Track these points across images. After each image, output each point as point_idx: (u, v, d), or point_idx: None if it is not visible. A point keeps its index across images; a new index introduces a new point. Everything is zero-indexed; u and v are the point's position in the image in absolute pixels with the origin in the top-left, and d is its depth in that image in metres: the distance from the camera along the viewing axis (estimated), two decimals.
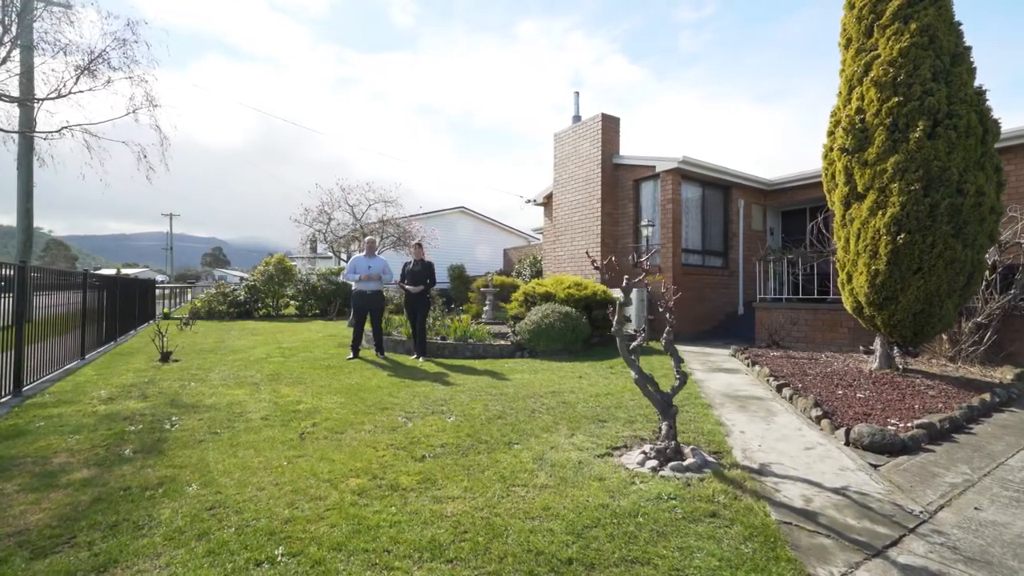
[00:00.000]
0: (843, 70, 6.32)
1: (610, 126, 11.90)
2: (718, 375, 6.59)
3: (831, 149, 6.49)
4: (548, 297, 9.18)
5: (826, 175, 6.56)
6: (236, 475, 2.99)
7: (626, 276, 3.41)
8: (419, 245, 8.28)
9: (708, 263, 11.66)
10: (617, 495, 2.72)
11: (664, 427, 3.33)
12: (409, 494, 2.75)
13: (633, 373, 3.48)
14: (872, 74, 5.71)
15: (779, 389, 5.54)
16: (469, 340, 8.38)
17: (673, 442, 3.24)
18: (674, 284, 10.51)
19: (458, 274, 18.45)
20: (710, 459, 3.29)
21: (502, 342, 8.50)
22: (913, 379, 5.67)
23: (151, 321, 14.73)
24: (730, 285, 11.90)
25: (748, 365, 7.21)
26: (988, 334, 6.39)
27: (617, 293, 10.46)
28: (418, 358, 7.79)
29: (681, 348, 9.05)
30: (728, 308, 11.79)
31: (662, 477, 2.98)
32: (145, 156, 8.76)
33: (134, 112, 8.18)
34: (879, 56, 5.74)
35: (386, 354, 8.05)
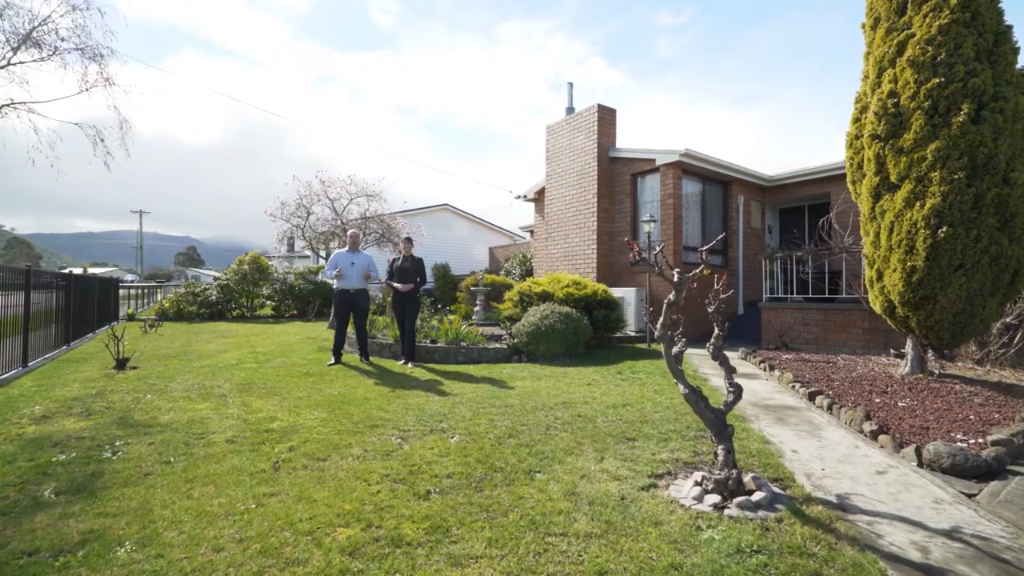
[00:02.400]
0: (870, 52, 5.87)
1: (606, 118, 11.38)
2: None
3: (856, 137, 6.05)
4: (545, 297, 8.58)
5: (850, 165, 6.11)
6: (187, 526, 2.30)
7: (677, 270, 2.83)
8: (409, 240, 7.59)
9: (708, 261, 11.19)
10: (686, 548, 2.13)
11: (721, 452, 2.76)
12: (417, 552, 2.11)
13: (681, 387, 2.89)
14: (907, 54, 5.25)
15: (811, 397, 5.05)
16: (462, 343, 7.73)
17: (734, 471, 2.67)
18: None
19: (442, 273, 17.74)
20: (778, 491, 2.73)
21: (497, 345, 7.87)
22: (951, 385, 5.23)
23: (113, 323, 13.67)
24: (730, 284, 11.47)
25: (765, 369, 6.73)
26: (1018, 336, 6.02)
27: (618, 292, 9.95)
28: (406, 363, 7.12)
29: (685, 350, 8.54)
30: (728, 308, 11.36)
31: (732, 519, 2.40)
32: (102, 140, 7.86)
33: (87, 91, 7.32)
34: (914, 35, 5.28)
35: (371, 359, 7.35)
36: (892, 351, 6.20)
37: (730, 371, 3.03)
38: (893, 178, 5.37)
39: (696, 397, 2.85)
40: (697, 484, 2.75)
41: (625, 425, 4.04)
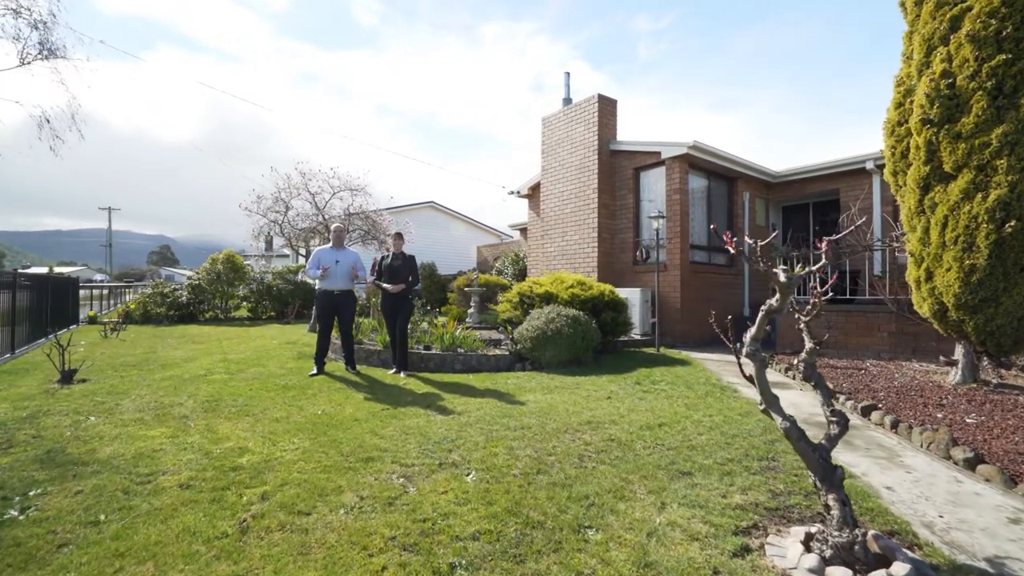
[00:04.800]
0: (915, 30, 5.33)
1: (607, 108, 10.76)
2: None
3: (898, 123, 5.51)
4: (548, 298, 7.91)
5: (892, 155, 5.57)
6: None
7: (782, 267, 2.17)
8: (399, 235, 6.83)
9: (714, 260, 10.69)
10: None
11: (834, 504, 2.11)
12: None
13: (777, 420, 2.24)
14: (965, 29, 4.71)
15: (865, 413, 4.47)
16: (459, 349, 7.01)
17: (858, 532, 2.02)
18: (681, 283, 9.46)
19: (428, 273, 16.99)
20: (911, 555, 2.08)
21: (497, 351, 7.17)
22: (1014, 396, 4.72)
23: (72, 327, 12.58)
24: (735, 284, 10.97)
25: (793, 377, 6.17)
26: None
27: (622, 293, 9.32)
28: (398, 373, 6.37)
29: (697, 355, 7.97)
30: (733, 310, 10.85)
31: None
32: (48, 121, 6.95)
33: (26, 63, 6.39)
34: (971, 8, 4.74)
35: (358, 368, 6.58)
36: (942, 358, 5.67)
37: (829, 395, 2.38)
38: (948, 167, 4.83)
39: (798, 432, 2.20)
40: (806, 548, 2.10)
41: (671, 453, 3.38)
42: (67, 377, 5.59)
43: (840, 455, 3.42)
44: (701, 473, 3.02)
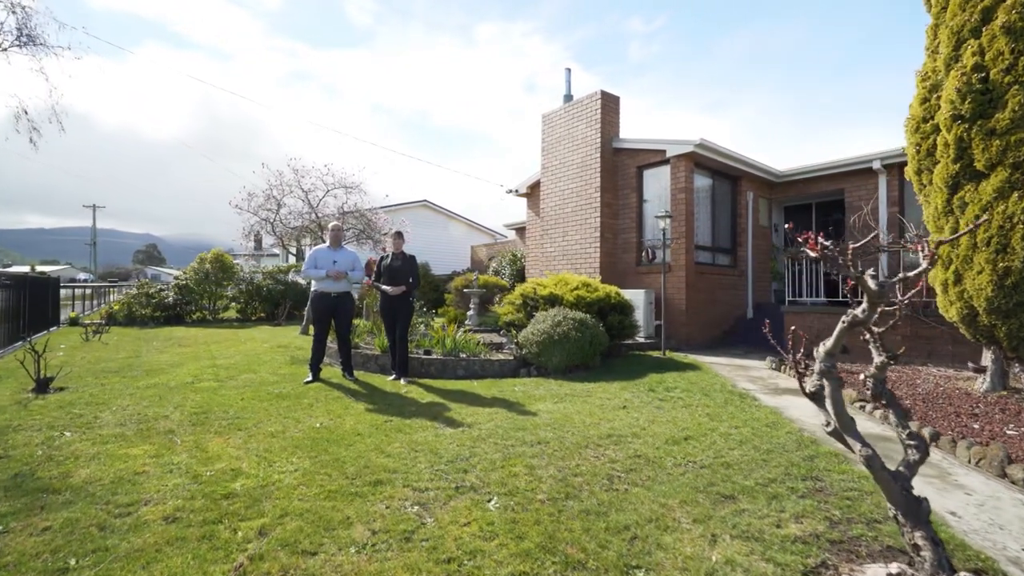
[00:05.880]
0: (942, 22, 5.12)
1: (610, 105, 10.50)
2: (789, 399, 5.24)
3: (923, 120, 5.31)
4: (553, 300, 7.62)
5: (916, 152, 5.36)
6: None
7: (870, 271, 1.90)
8: (399, 234, 6.50)
9: (717, 261, 10.47)
10: None
11: (924, 544, 1.84)
12: None
13: (857, 447, 1.96)
14: (1000, 20, 4.50)
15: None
16: (461, 354, 6.69)
17: None
18: (687, 284, 9.23)
19: (423, 273, 16.65)
20: None
21: (501, 356, 6.87)
22: None
23: (51, 329, 12.06)
24: (739, 285, 10.76)
25: None
26: None
27: (628, 294, 9.05)
28: (398, 379, 6.05)
29: (705, 359, 7.74)
30: (737, 311, 10.65)
31: None
32: (26, 112, 6.53)
33: (3, 50, 5.96)
34: None
35: (355, 374, 6.25)
36: (971, 364, 5.46)
37: (904, 415, 2.12)
38: (980, 165, 4.62)
39: (879, 462, 1.93)
40: None
41: (706, 472, 3.11)
42: (42, 386, 5.20)
43: None
44: (745, 497, 2.75)
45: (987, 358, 5.01)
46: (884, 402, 2.16)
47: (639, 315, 9.08)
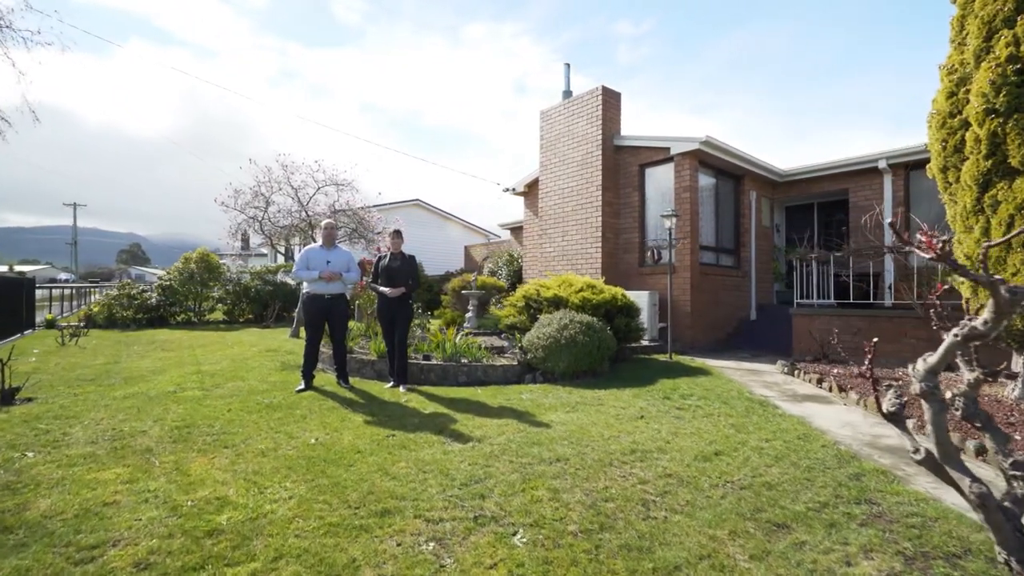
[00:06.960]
0: (971, 12, 4.90)
1: (611, 102, 10.22)
2: (812, 407, 4.97)
3: (951, 115, 5.08)
4: (557, 303, 7.31)
5: (942, 149, 5.14)
6: None
7: (997, 276, 1.60)
8: (398, 233, 6.15)
9: (721, 262, 10.24)
10: None
11: None
12: None
13: (964, 483, 1.67)
14: None
15: None
16: (462, 360, 6.35)
17: None
18: (692, 286, 8.97)
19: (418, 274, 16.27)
20: None
21: (504, 361, 6.54)
22: None
23: (25, 332, 11.49)
24: (742, 287, 10.54)
25: (830, 389, 5.69)
26: None
27: (631, 296, 8.77)
28: (397, 387, 5.69)
29: (713, 363, 7.47)
30: (740, 313, 10.43)
31: None
32: None
33: None
34: None
35: (351, 381, 5.88)
36: (1005, 371, 5.24)
37: (1004, 440, 1.83)
38: (1015, 161, 4.38)
39: (995, 501, 1.63)
40: None
41: (749, 495, 2.81)
42: (7, 397, 4.76)
43: (945, 495, 2.89)
44: (800, 526, 2.45)
45: (1018, 363, 4.78)
46: (979, 424, 1.87)
47: (643, 317, 8.81)
